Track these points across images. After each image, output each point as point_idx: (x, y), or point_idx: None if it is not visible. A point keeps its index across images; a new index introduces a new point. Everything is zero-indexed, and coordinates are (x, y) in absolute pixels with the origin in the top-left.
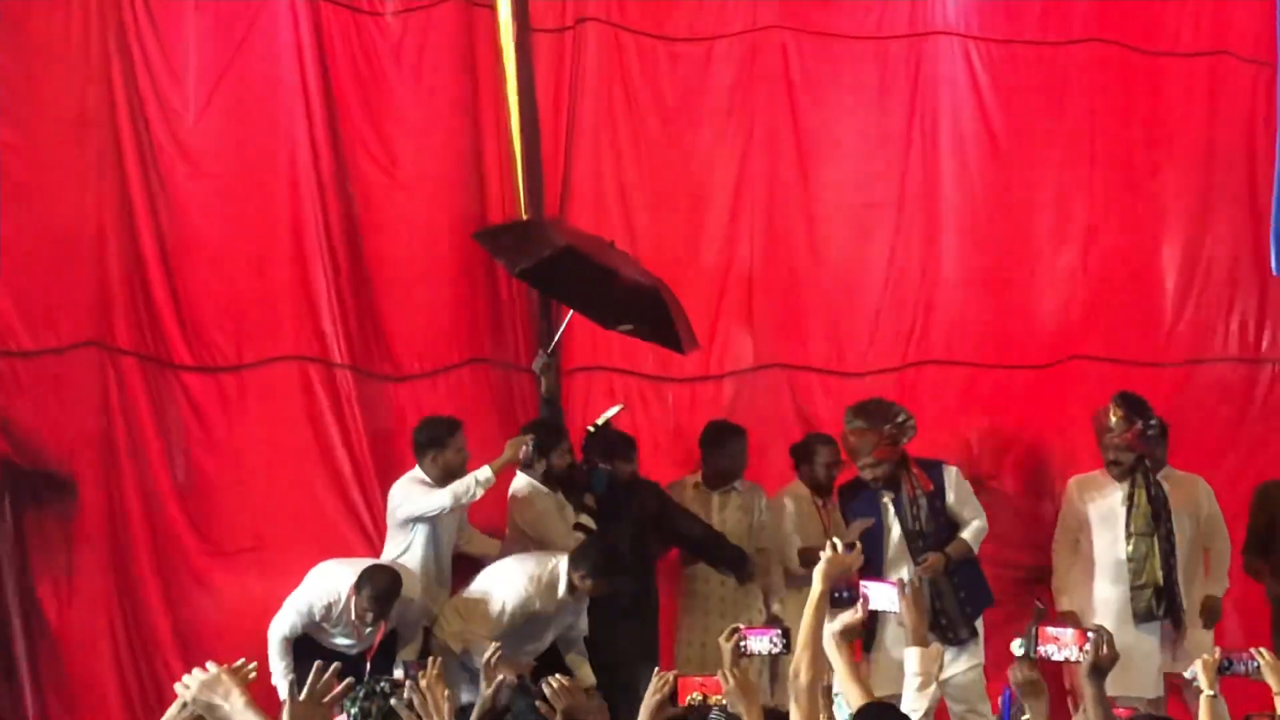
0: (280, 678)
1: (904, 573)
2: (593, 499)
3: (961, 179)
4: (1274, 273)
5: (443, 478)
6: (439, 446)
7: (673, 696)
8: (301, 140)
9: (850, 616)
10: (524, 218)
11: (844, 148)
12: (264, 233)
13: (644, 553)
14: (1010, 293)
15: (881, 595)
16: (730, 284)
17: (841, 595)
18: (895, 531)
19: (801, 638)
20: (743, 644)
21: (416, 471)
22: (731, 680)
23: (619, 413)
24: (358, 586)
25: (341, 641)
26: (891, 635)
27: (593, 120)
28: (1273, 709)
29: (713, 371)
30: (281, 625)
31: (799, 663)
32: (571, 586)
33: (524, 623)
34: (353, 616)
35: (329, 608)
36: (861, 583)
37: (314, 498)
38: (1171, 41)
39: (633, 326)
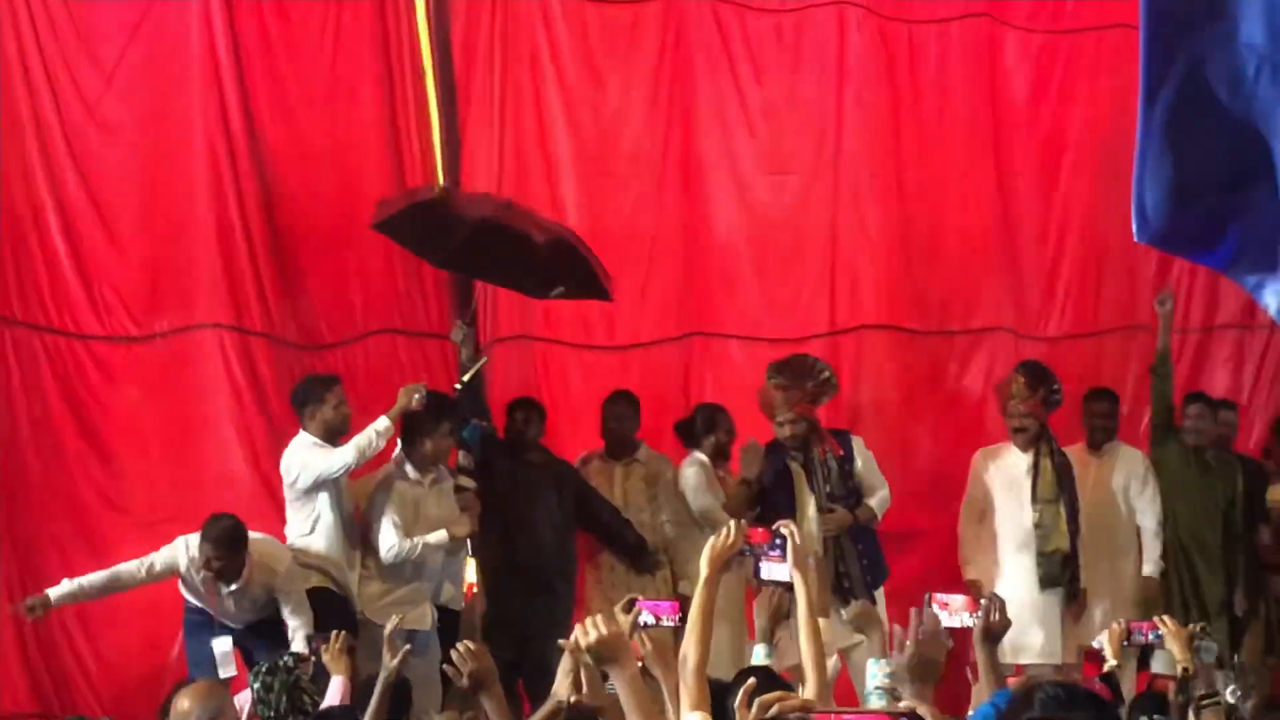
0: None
1: (814, 543)
2: (469, 459)
3: (881, 145)
4: (1135, 239)
5: (326, 436)
6: (316, 402)
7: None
8: (213, 108)
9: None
10: (441, 185)
11: (769, 114)
12: (176, 202)
13: (563, 527)
14: (937, 260)
15: (778, 569)
16: (659, 250)
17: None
18: (808, 495)
19: (691, 618)
20: (640, 617)
21: (303, 436)
22: (648, 645)
23: (484, 366)
24: (201, 539)
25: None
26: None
27: (516, 86)
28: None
29: (642, 339)
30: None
31: (687, 645)
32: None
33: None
34: (197, 572)
35: (187, 573)
36: (767, 546)
37: (229, 468)
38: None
39: (563, 289)
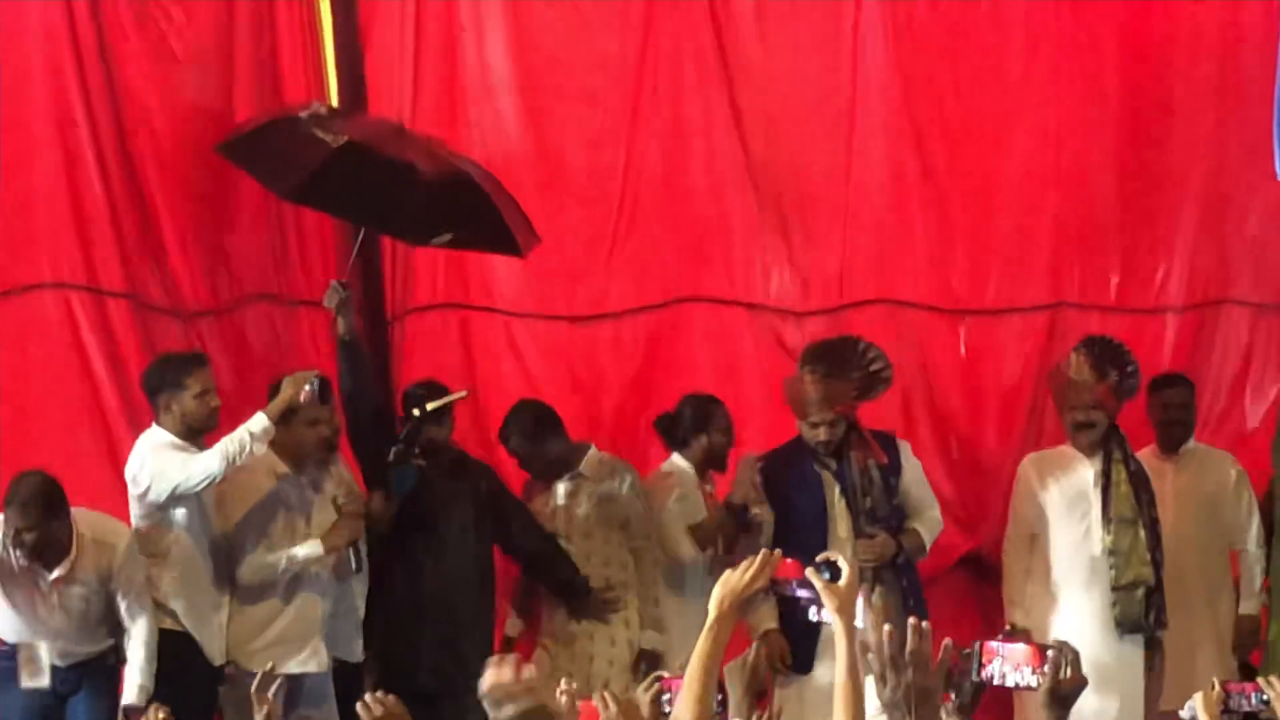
0: None
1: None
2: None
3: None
4: (1278, 178)
5: (186, 433)
6: (174, 389)
7: None
8: (65, 50)
9: None
10: (326, 105)
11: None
12: (21, 151)
13: (482, 555)
14: (960, 228)
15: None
16: (628, 199)
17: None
18: (842, 512)
19: (690, 673)
20: (665, 698)
21: (155, 433)
22: (611, 706)
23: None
24: (5, 505)
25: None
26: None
27: None
28: None
29: (611, 308)
30: None
31: (681, 709)
32: None
33: None
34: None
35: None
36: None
37: (79, 445)
38: None
39: (451, 236)
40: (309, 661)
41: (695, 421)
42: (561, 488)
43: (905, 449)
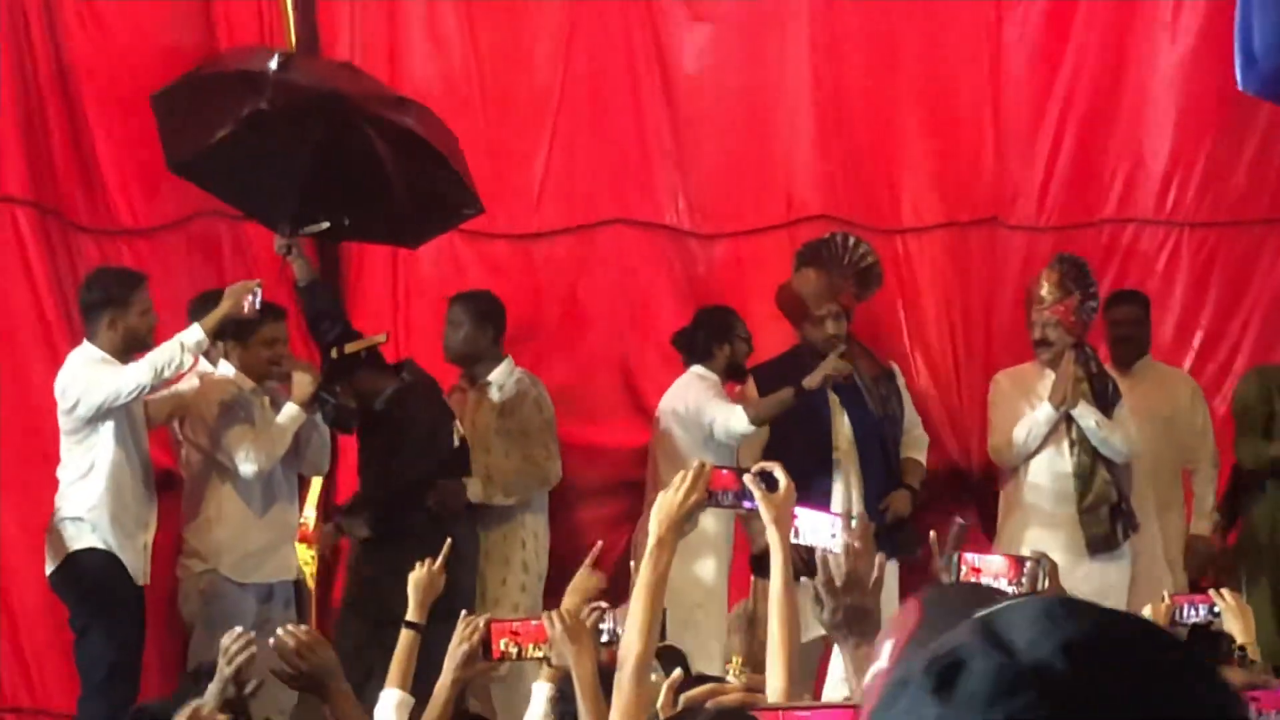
0: None
1: (853, 485)
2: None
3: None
4: (1240, 87)
5: (124, 349)
6: (119, 306)
7: (485, 646)
8: None
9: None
10: (279, 50)
11: None
12: None
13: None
14: (907, 142)
15: (816, 527)
16: (562, 119)
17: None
18: (844, 425)
19: (635, 598)
20: (605, 626)
21: (87, 348)
22: (558, 625)
23: (380, 341)
24: None
25: None
26: None
27: None
28: None
29: (547, 227)
30: None
31: (629, 635)
32: None
33: None
34: None
35: None
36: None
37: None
38: None
39: (327, 225)
40: (282, 570)
41: (717, 332)
42: (471, 396)
43: (895, 366)
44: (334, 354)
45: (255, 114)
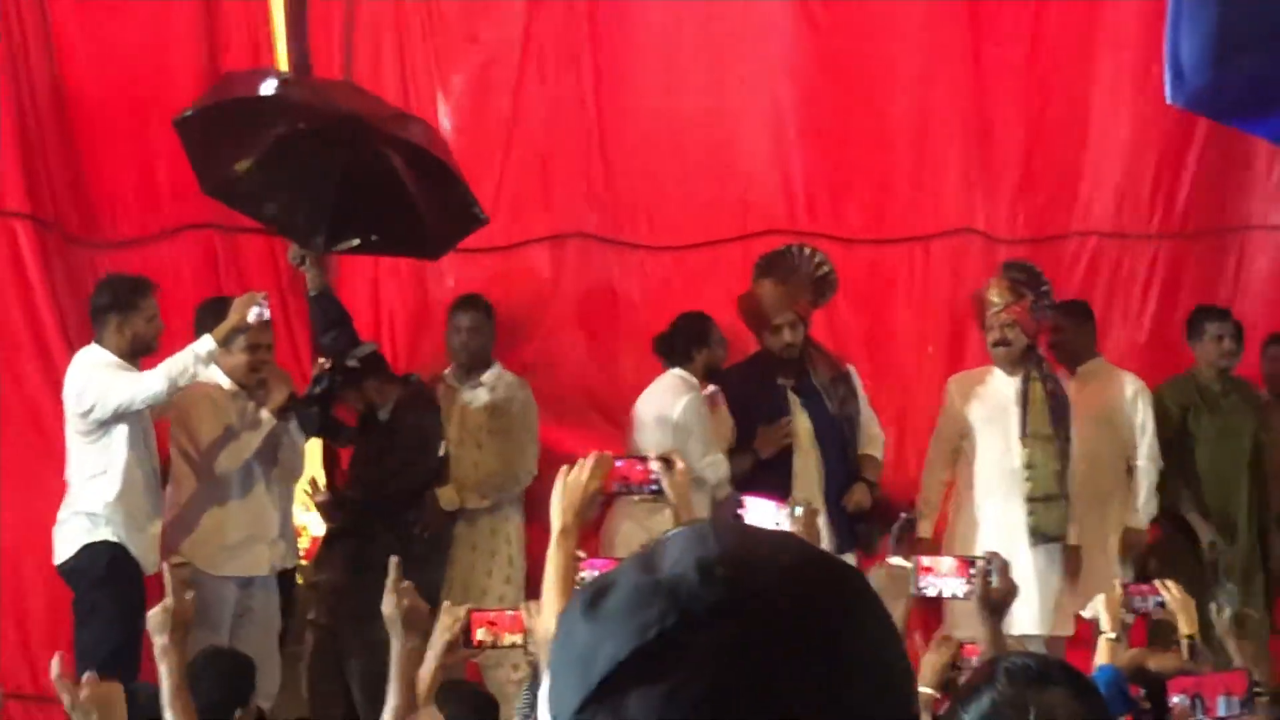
0: None
1: (814, 482)
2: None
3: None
4: (1168, 100)
5: (130, 353)
6: (128, 310)
7: (465, 635)
8: None
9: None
10: (275, 69)
11: None
12: None
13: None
14: (877, 156)
15: (762, 515)
16: (519, 135)
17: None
18: (804, 424)
19: (544, 592)
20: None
21: (96, 351)
22: (535, 616)
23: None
24: None
25: None
26: None
27: None
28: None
29: (529, 235)
30: None
31: (547, 625)
32: None
33: None
34: None
35: None
36: (744, 497)
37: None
38: None
39: (358, 242)
40: (255, 565)
41: (695, 336)
42: (464, 393)
43: (851, 368)
44: (353, 363)
45: (280, 139)
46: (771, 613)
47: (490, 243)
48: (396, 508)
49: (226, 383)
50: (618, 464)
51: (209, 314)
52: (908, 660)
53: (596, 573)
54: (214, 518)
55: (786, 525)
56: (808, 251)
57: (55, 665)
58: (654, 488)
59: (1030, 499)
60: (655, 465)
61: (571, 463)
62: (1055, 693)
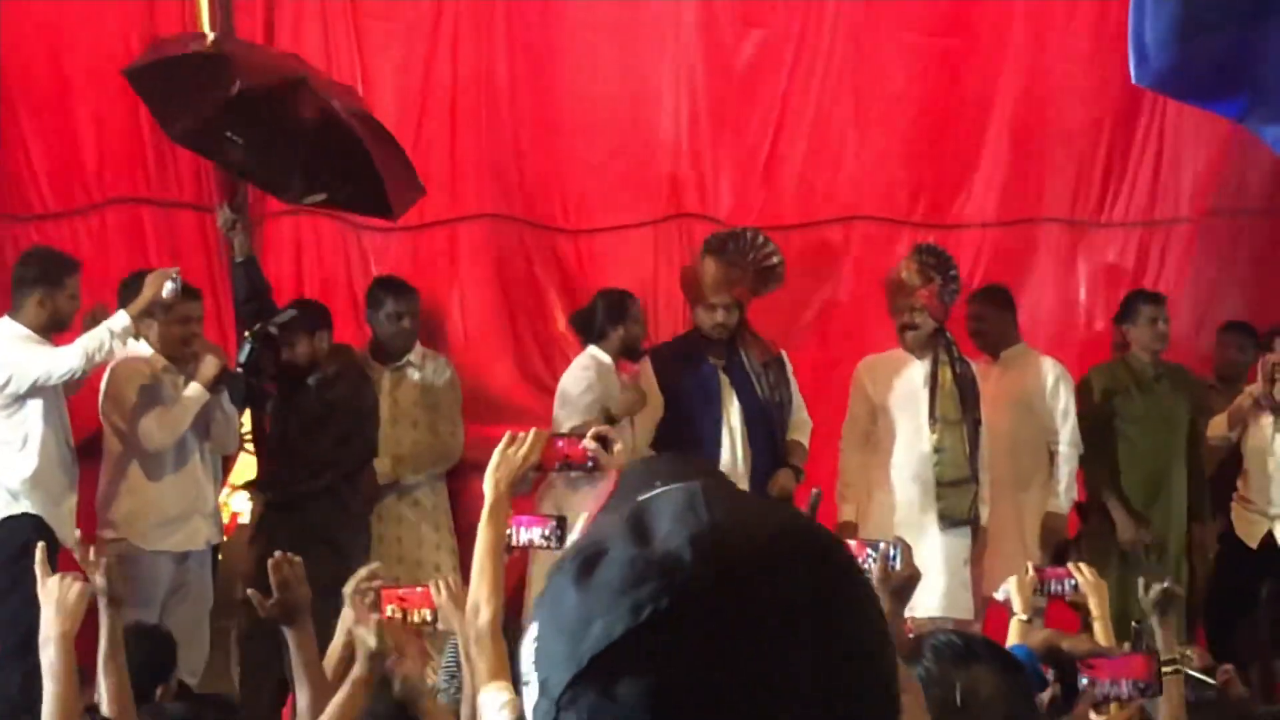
0: None
1: (739, 459)
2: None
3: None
4: (1133, 80)
5: (47, 328)
6: (52, 286)
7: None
8: None
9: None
10: (206, 34)
11: None
12: None
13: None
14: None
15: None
16: (460, 110)
17: None
18: (734, 405)
19: (477, 558)
20: (509, 532)
21: (10, 324)
22: (444, 592)
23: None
24: None
25: None
26: None
27: None
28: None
29: (442, 215)
30: None
31: (477, 594)
32: None
33: None
34: None
35: None
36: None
37: None
38: None
39: (325, 195)
40: (191, 540)
41: (611, 314)
42: (388, 375)
43: (783, 353)
44: (272, 329)
45: (244, 91)
46: (763, 594)
47: (404, 222)
48: (335, 479)
49: (153, 356)
50: (558, 443)
51: (131, 290)
52: (890, 636)
53: (523, 529)
54: (149, 492)
55: None
56: (760, 239)
57: None
58: (590, 464)
59: (939, 483)
60: (591, 444)
61: (502, 438)
62: (980, 669)
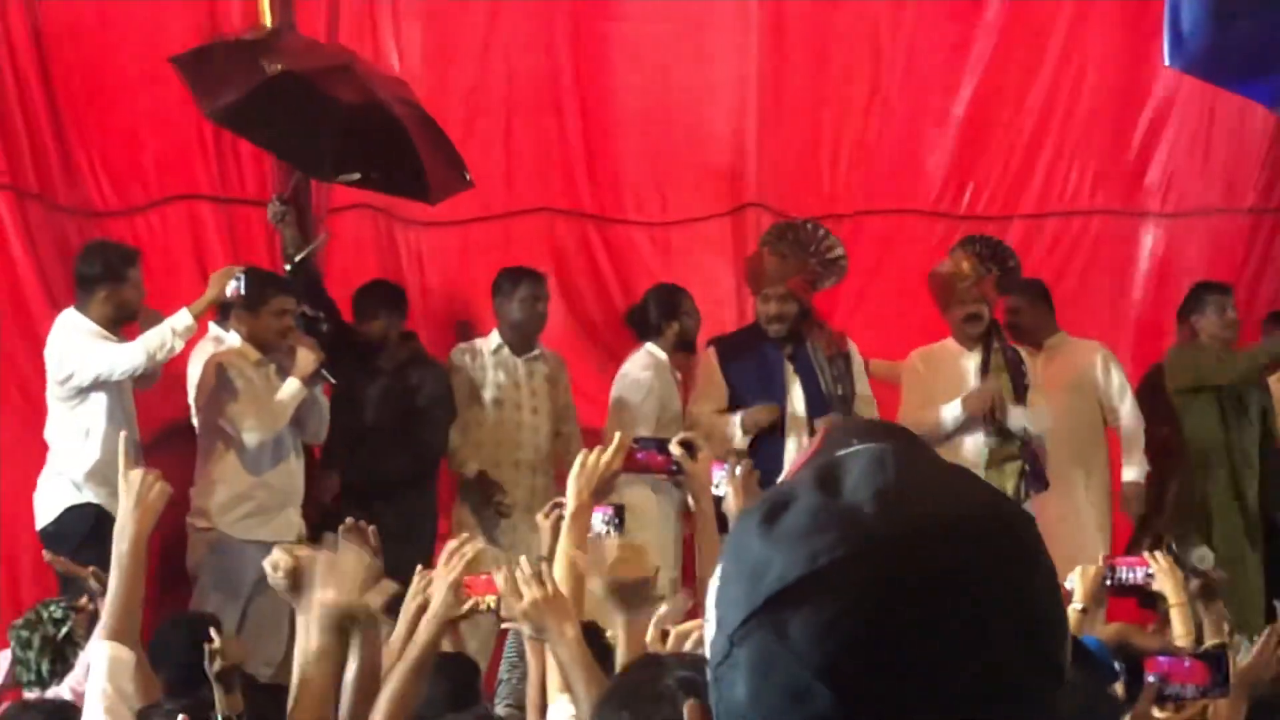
0: None
1: (802, 448)
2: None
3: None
4: (1167, 63)
5: (114, 321)
6: (116, 280)
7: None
8: None
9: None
10: (269, 27)
11: None
12: None
13: (420, 455)
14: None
15: (715, 482)
16: (516, 105)
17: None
18: (797, 394)
19: (562, 565)
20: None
21: (75, 319)
22: (513, 582)
23: (323, 243)
24: None
25: None
26: None
27: None
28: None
29: (493, 211)
30: None
31: (561, 607)
32: None
33: None
34: None
35: None
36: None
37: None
38: None
39: (359, 175)
40: (283, 531)
41: (663, 309)
42: (522, 365)
43: (851, 343)
44: (288, 269)
45: (284, 73)
46: (938, 555)
47: (455, 215)
48: (410, 470)
49: (245, 347)
50: (638, 454)
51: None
52: (1065, 615)
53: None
54: (245, 483)
55: (724, 484)
56: (821, 232)
57: None
58: (674, 469)
59: (987, 466)
60: (677, 450)
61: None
62: None
